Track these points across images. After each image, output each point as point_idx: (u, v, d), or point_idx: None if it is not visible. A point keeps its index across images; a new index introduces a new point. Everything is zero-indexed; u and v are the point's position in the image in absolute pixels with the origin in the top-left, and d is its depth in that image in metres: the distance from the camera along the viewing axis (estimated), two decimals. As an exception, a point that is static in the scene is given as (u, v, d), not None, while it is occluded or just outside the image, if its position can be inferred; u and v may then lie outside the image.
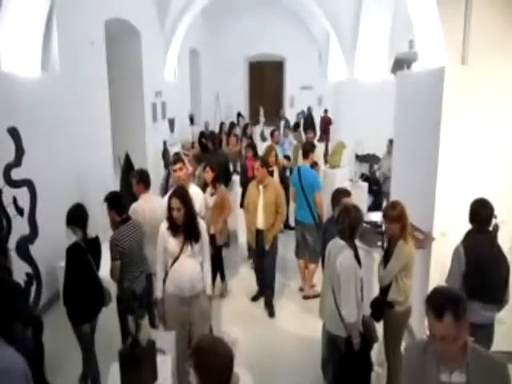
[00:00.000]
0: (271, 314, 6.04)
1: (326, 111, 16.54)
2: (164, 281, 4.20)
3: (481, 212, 3.86)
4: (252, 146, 8.62)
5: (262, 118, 17.18)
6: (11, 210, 4.73)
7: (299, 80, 19.44)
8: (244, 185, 7.40)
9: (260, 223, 5.92)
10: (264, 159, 6.24)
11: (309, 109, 17.45)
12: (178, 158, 5.72)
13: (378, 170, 10.13)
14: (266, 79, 20.62)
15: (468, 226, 4.01)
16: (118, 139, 9.27)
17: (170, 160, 9.08)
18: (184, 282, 4.11)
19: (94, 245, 4.28)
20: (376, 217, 5.97)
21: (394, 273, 4.01)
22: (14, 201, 4.76)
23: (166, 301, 4.22)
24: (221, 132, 14.19)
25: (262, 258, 6.08)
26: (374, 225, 5.64)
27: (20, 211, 4.79)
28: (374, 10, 11.03)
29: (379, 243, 5.00)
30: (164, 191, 7.62)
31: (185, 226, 4.07)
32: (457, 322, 2.06)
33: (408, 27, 6.58)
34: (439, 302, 2.11)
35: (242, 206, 7.06)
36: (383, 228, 4.97)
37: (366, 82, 11.57)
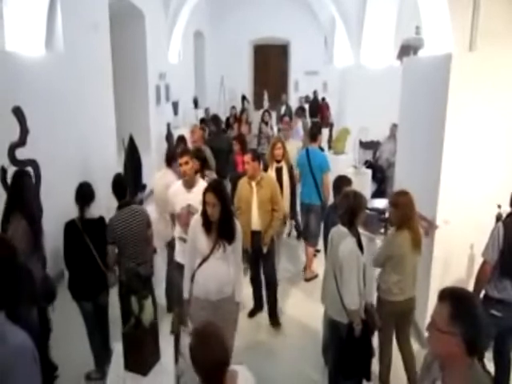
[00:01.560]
0: (275, 323, 5.50)
1: (323, 99, 16.61)
2: (192, 281, 3.93)
3: None
4: (240, 139, 7.43)
5: (266, 103, 17.11)
6: (16, 190, 4.75)
7: (304, 65, 19.29)
8: (233, 181, 6.48)
9: (255, 224, 5.26)
10: (257, 154, 5.46)
11: (314, 93, 17.37)
12: (185, 150, 5.01)
13: (379, 156, 10.11)
14: (270, 63, 20.48)
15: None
16: (121, 121, 9.26)
17: (173, 142, 9.09)
18: (211, 285, 3.83)
19: (94, 225, 4.28)
20: (379, 203, 6.00)
21: (380, 260, 4.07)
22: (19, 180, 4.77)
23: (192, 303, 3.95)
24: (230, 116, 14.07)
25: (259, 266, 5.52)
26: (378, 211, 5.66)
27: (24, 191, 4.81)
28: (380, -5, 10.91)
29: (382, 230, 5.02)
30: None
31: (219, 224, 3.73)
32: (451, 318, 1.91)
33: (415, 13, 6.54)
34: (451, 290, 2.02)
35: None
36: (386, 214, 4.99)
37: (372, 68, 11.49)
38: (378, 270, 4.21)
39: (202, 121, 11.49)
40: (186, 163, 4.68)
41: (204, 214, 3.75)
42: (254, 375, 2.49)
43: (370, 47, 11.68)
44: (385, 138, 10.14)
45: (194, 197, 4.46)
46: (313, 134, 6.81)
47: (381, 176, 9.52)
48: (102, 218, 4.39)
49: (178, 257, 4.65)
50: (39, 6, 6.03)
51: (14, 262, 3.10)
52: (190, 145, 7.74)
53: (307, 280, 6.54)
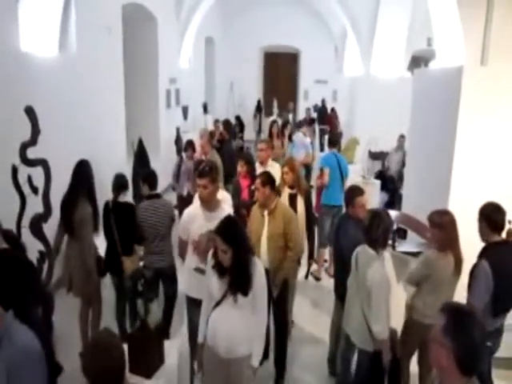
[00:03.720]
0: (280, 377, 4.68)
1: (332, 109, 16.63)
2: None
3: (496, 217, 3.64)
4: (247, 158, 6.26)
5: (275, 110, 17.15)
6: (26, 189, 4.79)
7: (314, 73, 19.30)
8: (236, 210, 5.13)
9: (263, 261, 4.19)
10: (270, 177, 4.57)
11: (323, 101, 17.38)
12: (203, 170, 3.99)
13: (388, 167, 10.08)
14: (280, 71, 20.51)
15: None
16: (131, 124, 9.29)
17: (182, 147, 9.11)
18: (219, 338, 3.20)
19: (122, 209, 4.74)
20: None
21: (416, 279, 3.85)
22: (29, 179, 4.81)
23: (205, 351, 3.38)
24: (235, 125, 13.98)
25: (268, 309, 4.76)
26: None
27: (34, 190, 4.85)
28: (392, 6, 10.94)
29: (390, 242, 4.98)
30: (176, 178, 7.66)
31: (231, 272, 3.12)
32: (443, 330, 1.93)
33: (426, 25, 6.55)
34: (451, 303, 2.07)
35: None
36: (395, 227, 4.97)
37: (382, 79, 11.50)
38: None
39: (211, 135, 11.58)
40: (205, 187, 3.89)
41: (215, 255, 3.19)
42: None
43: (381, 58, 11.70)
44: (392, 149, 10.13)
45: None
46: (334, 141, 7.10)
47: (392, 187, 9.48)
48: (131, 205, 4.84)
49: (193, 292, 4.08)
50: (54, 8, 6.08)
51: (22, 260, 3.12)
52: (198, 149, 7.77)
53: (307, 276, 6.50)
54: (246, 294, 3.10)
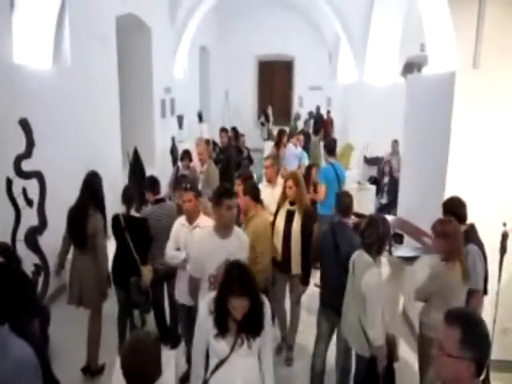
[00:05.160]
0: None
1: (328, 112, 16.67)
2: None
3: (462, 211, 3.98)
4: (245, 174, 5.95)
5: (270, 118, 17.23)
6: (20, 201, 4.78)
7: (308, 80, 19.39)
8: None
9: None
10: (254, 188, 4.79)
11: (318, 109, 17.45)
12: (189, 185, 4.45)
13: (382, 172, 10.09)
14: (275, 78, 20.60)
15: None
16: (126, 134, 9.30)
17: (178, 156, 9.12)
18: None
19: (136, 222, 4.77)
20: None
21: (425, 294, 3.80)
22: (24, 192, 4.81)
23: None
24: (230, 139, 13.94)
25: None
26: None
27: (29, 202, 4.85)
28: (385, 12, 11.00)
29: (387, 247, 4.97)
30: (173, 188, 7.65)
31: (245, 321, 2.76)
32: (461, 343, 1.89)
33: (419, 30, 6.56)
34: (459, 313, 2.02)
35: None
36: (391, 231, 4.95)
37: (376, 85, 11.55)
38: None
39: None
40: (190, 201, 4.34)
41: (219, 313, 2.76)
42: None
43: (374, 64, 11.76)
44: (387, 154, 10.16)
45: (197, 234, 4.25)
46: (332, 149, 7.13)
47: (394, 188, 9.43)
48: (143, 219, 4.85)
49: (181, 297, 4.34)
50: (48, 20, 6.10)
51: (18, 273, 3.11)
52: (195, 158, 7.78)
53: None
54: (259, 334, 2.81)
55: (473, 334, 1.90)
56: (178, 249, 4.40)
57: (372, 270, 3.53)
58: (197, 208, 4.43)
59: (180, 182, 5.99)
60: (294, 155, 8.90)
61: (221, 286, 2.77)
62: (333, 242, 4.16)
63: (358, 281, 3.60)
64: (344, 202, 4.35)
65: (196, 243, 3.84)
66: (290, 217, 4.87)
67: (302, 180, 5.10)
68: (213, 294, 2.85)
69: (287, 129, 11.40)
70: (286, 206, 4.93)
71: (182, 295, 4.30)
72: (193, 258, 3.78)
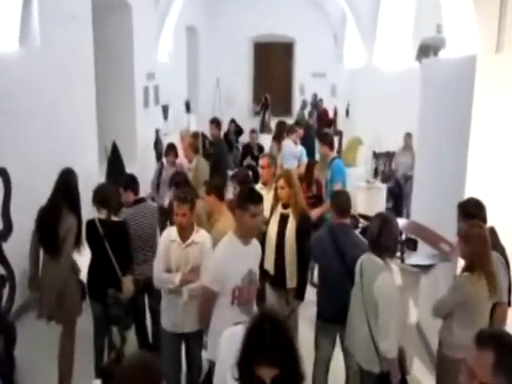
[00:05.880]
0: None
1: (320, 101, 16.70)
2: None
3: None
4: (241, 178, 5.76)
5: (269, 106, 17.24)
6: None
7: (311, 65, 19.36)
8: None
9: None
10: (218, 185, 5.06)
11: (314, 97, 17.35)
12: (183, 197, 4.21)
13: (395, 169, 10.11)
14: (272, 63, 20.57)
15: (503, 234, 4.01)
16: (104, 126, 9.26)
17: (162, 151, 9.10)
18: None
19: (114, 227, 4.71)
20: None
21: (445, 309, 3.83)
22: (-15, 192, 4.78)
23: None
24: (229, 132, 13.86)
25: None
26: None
27: (-8, 204, 4.81)
28: (397, -12, 11.02)
29: (399, 254, 4.98)
30: (156, 187, 7.63)
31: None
32: (495, 368, 1.88)
33: (435, 9, 6.57)
34: (491, 335, 2.02)
35: None
36: (403, 237, 4.96)
37: (387, 70, 11.55)
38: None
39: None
40: (184, 215, 4.14)
41: (245, 381, 2.38)
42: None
43: (385, 47, 11.76)
44: (399, 149, 10.17)
45: (192, 252, 4.21)
46: (331, 142, 7.08)
47: (398, 191, 9.52)
48: (122, 222, 4.82)
49: (167, 323, 4.32)
50: (14, -3, 6.07)
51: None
52: (181, 153, 7.76)
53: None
54: None
55: (507, 357, 1.89)
56: (169, 270, 4.24)
57: (384, 273, 3.55)
58: (192, 222, 4.27)
59: (171, 184, 6.00)
60: (292, 154, 8.78)
61: (247, 348, 2.33)
62: (334, 247, 4.16)
63: (367, 287, 3.62)
64: (340, 201, 4.35)
65: (219, 250, 3.79)
66: (283, 221, 4.83)
67: (296, 179, 5.08)
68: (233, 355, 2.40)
69: (288, 121, 11.30)
70: (279, 210, 4.90)
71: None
72: (214, 268, 3.69)
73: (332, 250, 4.17)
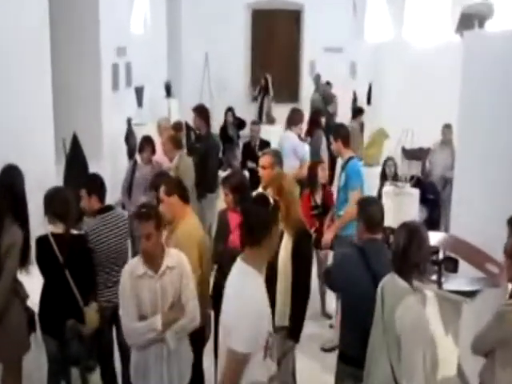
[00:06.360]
0: None
1: (328, 84, 16.77)
2: None
3: None
4: (233, 182, 5.56)
5: (270, 90, 17.22)
6: None
7: (323, 39, 19.35)
8: (220, 259, 5.24)
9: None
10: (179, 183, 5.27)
11: (317, 77, 17.28)
12: (146, 213, 4.10)
13: (430, 169, 10.10)
14: (275, 36, 20.57)
15: None
16: (62, 114, 9.25)
17: (136, 146, 9.09)
18: None
19: (74, 244, 4.70)
20: (432, 239, 5.93)
21: (486, 346, 3.85)
22: None
23: None
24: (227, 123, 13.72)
25: None
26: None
27: None
28: None
29: (435, 277, 4.96)
30: (128, 191, 7.61)
31: None
32: None
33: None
34: None
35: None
36: (440, 255, 4.95)
37: (420, 46, 11.58)
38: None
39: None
40: (148, 238, 4.05)
41: None
42: None
43: (418, 16, 11.79)
44: (436, 145, 10.17)
45: (170, 282, 4.15)
46: (347, 137, 6.88)
47: (433, 198, 9.51)
48: (83, 236, 4.84)
49: (139, 379, 4.30)
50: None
51: None
52: (160, 148, 7.76)
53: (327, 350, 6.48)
54: None
55: None
56: (143, 316, 4.11)
57: (408, 298, 3.57)
58: (160, 244, 4.17)
59: (151, 188, 6.10)
60: (294, 151, 8.76)
61: None
62: (365, 270, 4.13)
63: (389, 316, 3.64)
64: (371, 212, 4.34)
65: (250, 297, 3.39)
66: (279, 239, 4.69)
67: (290, 185, 5.06)
68: None
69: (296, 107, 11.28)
70: None
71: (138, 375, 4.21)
72: (246, 325, 3.30)
73: (363, 273, 4.13)
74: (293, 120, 9.28)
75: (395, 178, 9.09)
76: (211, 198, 8.44)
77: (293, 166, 8.16)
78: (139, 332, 4.04)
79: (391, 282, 3.73)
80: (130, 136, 11.37)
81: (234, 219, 5.07)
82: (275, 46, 20.61)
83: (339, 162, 7.91)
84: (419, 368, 3.51)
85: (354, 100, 16.52)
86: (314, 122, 10.97)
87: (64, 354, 4.72)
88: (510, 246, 3.74)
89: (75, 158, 8.33)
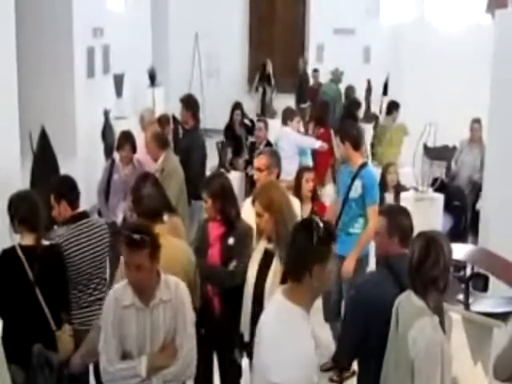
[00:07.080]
0: None
1: (315, 71, 17.21)
2: None
3: None
4: (214, 186, 5.35)
5: (271, 79, 17.26)
6: None
7: (333, 19, 19.41)
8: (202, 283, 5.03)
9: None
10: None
11: (304, 63, 17.40)
12: (139, 240, 3.75)
13: (457, 171, 10.12)
14: (277, 14, 20.62)
15: None
16: (29, 105, 9.27)
17: (114, 142, 9.09)
18: None
19: (44, 257, 4.61)
20: (459, 251, 5.93)
21: (508, 370, 3.79)
22: None
23: None
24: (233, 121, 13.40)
25: None
26: (456, 266, 5.62)
27: None
28: None
29: (461, 296, 4.98)
30: (105, 195, 7.60)
31: None
32: None
33: None
34: None
35: None
36: (468, 271, 4.96)
37: (445, 28, 11.61)
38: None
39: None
40: (139, 268, 3.77)
41: None
42: None
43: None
44: (464, 143, 10.19)
45: (156, 322, 3.92)
46: (357, 140, 6.66)
47: (460, 205, 9.53)
48: (54, 246, 4.79)
49: None
50: None
51: None
52: (142, 146, 7.77)
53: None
54: None
55: None
56: (127, 353, 3.91)
57: (424, 319, 3.55)
58: (154, 274, 3.89)
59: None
60: (294, 149, 8.93)
61: None
62: (397, 291, 3.96)
63: (402, 338, 3.64)
64: (405, 224, 4.28)
65: (303, 340, 3.25)
66: (266, 261, 4.72)
67: (281, 198, 4.89)
68: None
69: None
70: (263, 244, 4.84)
71: None
72: (309, 362, 3.21)
73: (394, 296, 3.95)
74: (287, 114, 9.42)
75: (397, 188, 9.01)
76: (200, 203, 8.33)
77: (293, 170, 7.82)
78: (119, 375, 3.84)
79: (406, 302, 3.72)
80: (107, 131, 11.36)
81: (215, 230, 5.12)
82: (276, 26, 20.65)
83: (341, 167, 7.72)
84: None
85: (368, 90, 16.51)
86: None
87: None
88: None
89: (43, 156, 8.33)
